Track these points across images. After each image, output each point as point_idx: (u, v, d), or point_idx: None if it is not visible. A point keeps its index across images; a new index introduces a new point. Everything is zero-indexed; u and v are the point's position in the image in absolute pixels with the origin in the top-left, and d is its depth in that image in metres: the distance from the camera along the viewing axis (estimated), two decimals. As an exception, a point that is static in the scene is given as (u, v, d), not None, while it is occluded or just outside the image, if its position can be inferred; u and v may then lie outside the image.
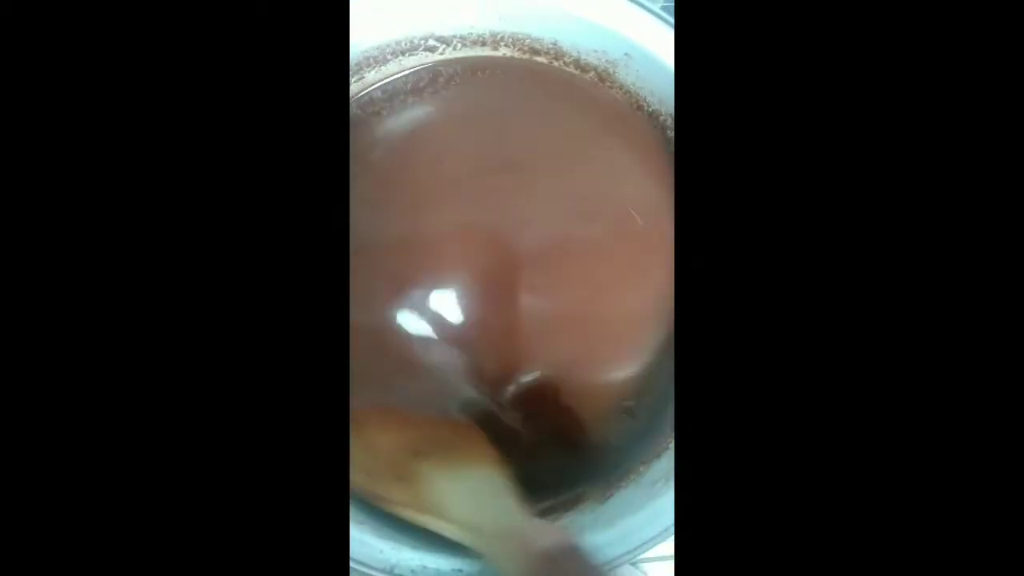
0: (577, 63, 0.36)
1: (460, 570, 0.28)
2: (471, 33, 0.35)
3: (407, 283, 0.30)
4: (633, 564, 0.27)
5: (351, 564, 0.27)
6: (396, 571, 0.28)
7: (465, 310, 0.31)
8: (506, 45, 0.36)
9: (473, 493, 0.21)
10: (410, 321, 0.31)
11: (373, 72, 0.35)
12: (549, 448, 0.31)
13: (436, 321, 0.31)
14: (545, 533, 0.20)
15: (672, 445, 0.31)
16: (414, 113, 0.36)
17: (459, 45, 0.36)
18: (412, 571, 0.28)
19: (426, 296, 0.31)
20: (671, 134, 0.35)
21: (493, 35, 0.36)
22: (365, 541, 0.28)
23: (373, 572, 0.28)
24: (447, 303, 0.31)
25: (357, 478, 0.23)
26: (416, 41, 0.35)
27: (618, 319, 0.33)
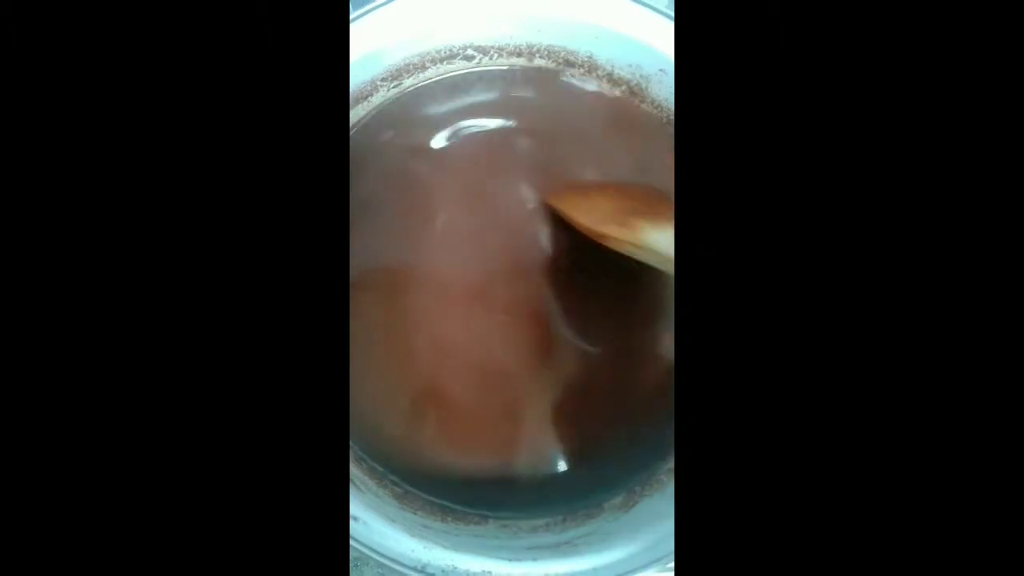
0: (610, 76, 0.37)
1: (489, 572, 0.29)
2: (508, 44, 0.36)
3: None
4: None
5: (384, 560, 0.28)
6: (427, 570, 0.28)
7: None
8: (541, 56, 0.37)
9: (666, 238, 0.31)
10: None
11: (411, 79, 0.36)
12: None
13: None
14: None
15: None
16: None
17: (495, 55, 0.37)
18: (443, 571, 0.29)
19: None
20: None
21: (529, 46, 0.36)
22: (398, 539, 0.29)
23: (405, 570, 0.28)
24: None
25: (584, 221, 0.33)
26: (455, 50, 0.36)
27: None
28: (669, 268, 0.31)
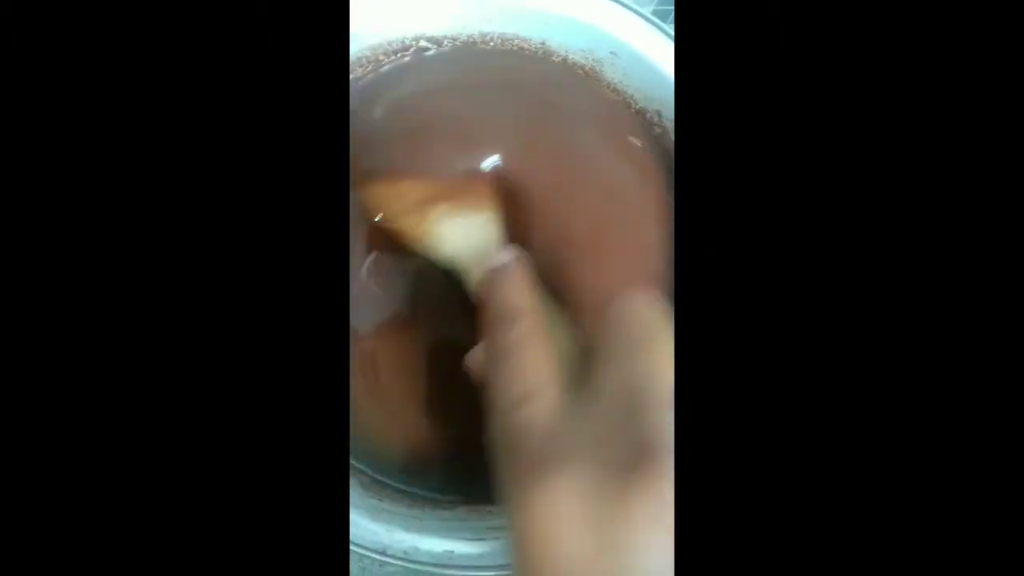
0: (565, 62, 0.37)
1: (451, 551, 0.29)
2: (461, 34, 0.37)
3: None
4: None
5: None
6: (388, 552, 0.29)
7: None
8: (495, 45, 0.37)
9: (462, 229, 0.30)
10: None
11: (371, 74, 0.36)
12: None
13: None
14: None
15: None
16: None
17: (449, 46, 0.37)
18: (404, 552, 0.29)
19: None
20: (658, 130, 0.36)
21: (482, 35, 0.37)
22: (359, 523, 0.29)
23: (367, 552, 0.29)
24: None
25: (388, 214, 0.31)
26: (408, 42, 0.36)
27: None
28: (465, 269, 0.28)
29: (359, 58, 0.35)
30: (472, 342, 0.26)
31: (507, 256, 0.26)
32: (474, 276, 0.28)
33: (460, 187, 0.31)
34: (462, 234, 0.29)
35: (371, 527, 0.30)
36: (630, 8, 0.35)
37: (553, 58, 0.37)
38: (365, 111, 0.32)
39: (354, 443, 0.33)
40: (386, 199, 0.31)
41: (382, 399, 0.33)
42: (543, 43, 0.37)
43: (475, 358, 0.26)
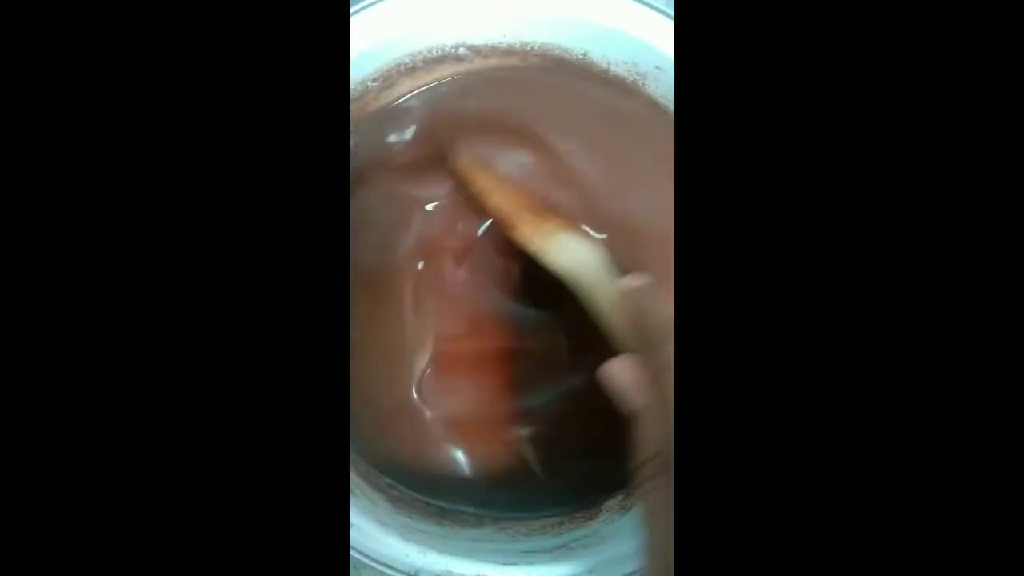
0: (606, 74, 0.36)
1: None
2: (502, 43, 0.36)
3: None
4: None
5: (378, 565, 0.28)
6: (421, 575, 0.29)
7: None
8: (535, 55, 0.36)
9: (584, 247, 0.31)
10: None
11: (408, 80, 0.36)
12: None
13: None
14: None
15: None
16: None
17: (489, 54, 0.36)
18: (436, 575, 0.29)
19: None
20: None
21: (523, 45, 0.36)
22: (391, 544, 0.29)
23: (398, 575, 0.28)
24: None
25: (501, 203, 0.31)
26: (447, 49, 0.35)
27: None
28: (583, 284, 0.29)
29: (397, 64, 0.35)
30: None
31: (644, 278, 0.27)
32: (600, 294, 0.29)
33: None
34: (582, 251, 0.30)
35: (403, 547, 0.29)
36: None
37: (594, 68, 0.36)
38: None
39: (382, 458, 0.33)
40: (501, 195, 0.31)
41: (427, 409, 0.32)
42: (585, 53, 0.36)
43: (616, 371, 0.26)
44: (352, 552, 0.28)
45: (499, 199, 0.32)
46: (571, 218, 0.31)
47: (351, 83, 0.34)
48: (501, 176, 0.32)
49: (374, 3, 0.33)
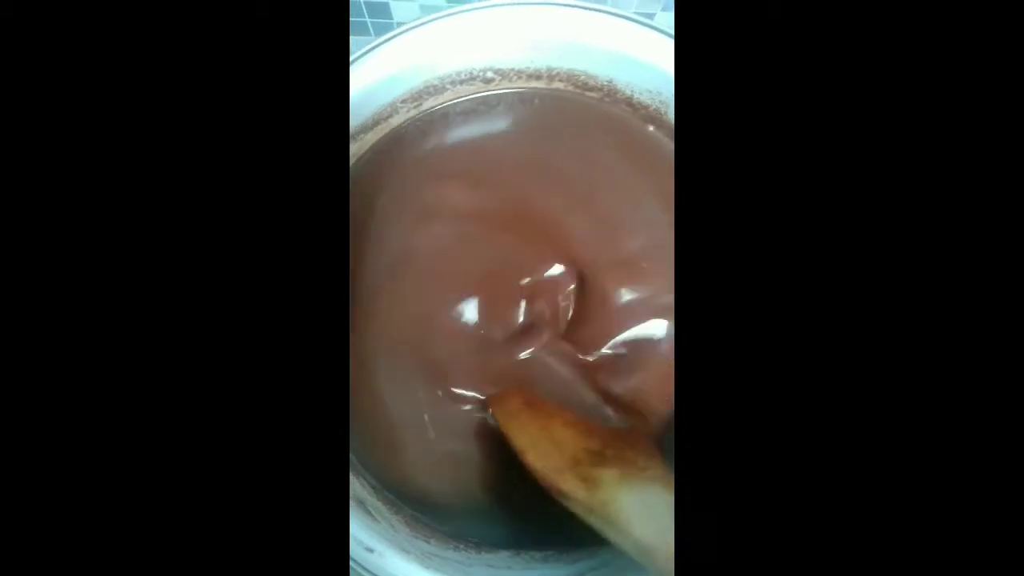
0: (629, 101, 0.37)
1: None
2: (528, 67, 0.36)
3: None
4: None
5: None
6: (441, 602, 0.28)
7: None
8: (560, 80, 0.37)
9: (646, 508, 0.23)
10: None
11: (431, 99, 0.36)
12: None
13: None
14: None
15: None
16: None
17: (515, 77, 0.36)
18: (458, 603, 0.28)
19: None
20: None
21: (549, 70, 0.36)
22: (412, 570, 0.29)
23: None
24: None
25: (538, 465, 0.24)
26: (475, 72, 0.35)
27: None
28: (636, 554, 0.22)
29: (427, 86, 0.35)
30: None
31: None
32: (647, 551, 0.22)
33: (625, 441, 0.25)
34: (648, 512, 0.22)
35: (422, 574, 0.29)
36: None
37: (618, 95, 0.37)
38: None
39: (400, 486, 0.33)
40: (536, 448, 0.25)
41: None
42: (610, 80, 0.36)
43: None
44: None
45: (538, 453, 0.24)
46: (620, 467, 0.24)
47: (380, 105, 0.34)
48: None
49: (406, 31, 0.33)
